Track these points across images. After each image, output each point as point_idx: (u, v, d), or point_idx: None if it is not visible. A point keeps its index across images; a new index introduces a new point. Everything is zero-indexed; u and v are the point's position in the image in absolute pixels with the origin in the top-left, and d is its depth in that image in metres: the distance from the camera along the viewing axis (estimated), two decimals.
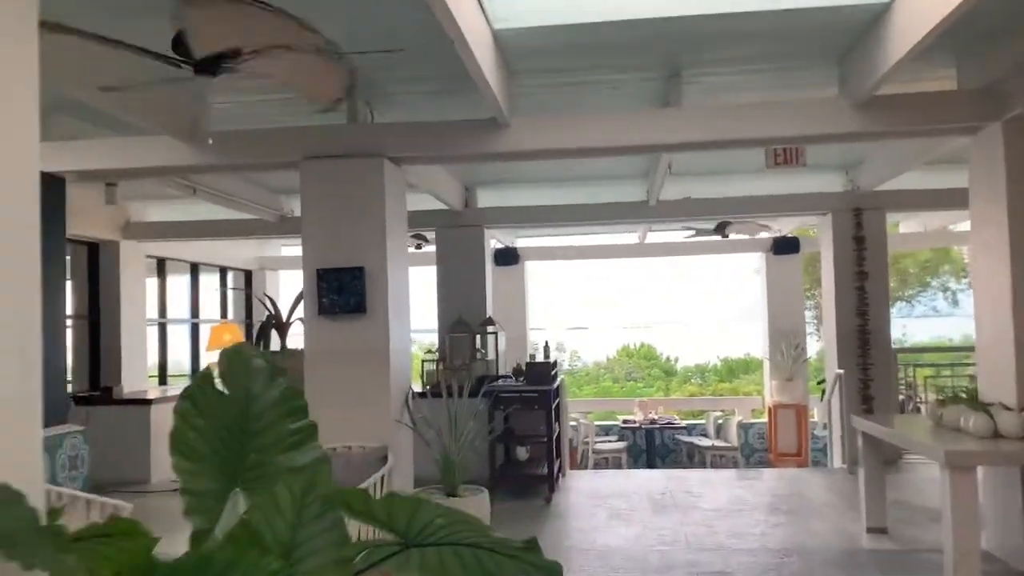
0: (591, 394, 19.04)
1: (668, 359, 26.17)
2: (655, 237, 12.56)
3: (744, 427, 11.80)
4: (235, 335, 8.69)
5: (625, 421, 11.53)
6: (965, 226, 12.56)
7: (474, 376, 8.14)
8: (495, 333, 8.58)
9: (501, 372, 8.43)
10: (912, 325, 21.28)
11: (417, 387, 8.00)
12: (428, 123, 5.50)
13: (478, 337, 8.49)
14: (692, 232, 10.79)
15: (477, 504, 5.05)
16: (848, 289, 8.21)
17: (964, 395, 5.03)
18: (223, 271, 11.76)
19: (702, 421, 12.21)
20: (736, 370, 23.56)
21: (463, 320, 8.51)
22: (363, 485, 4.52)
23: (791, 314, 11.70)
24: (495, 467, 6.83)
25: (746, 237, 11.73)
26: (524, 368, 7.04)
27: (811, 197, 8.60)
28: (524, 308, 12.44)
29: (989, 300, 4.84)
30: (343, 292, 5.11)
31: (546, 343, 7.80)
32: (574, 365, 23.76)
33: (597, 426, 12.21)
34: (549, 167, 8.13)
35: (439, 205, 8.58)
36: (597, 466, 11.22)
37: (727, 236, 10.58)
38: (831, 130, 4.88)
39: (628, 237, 12.85)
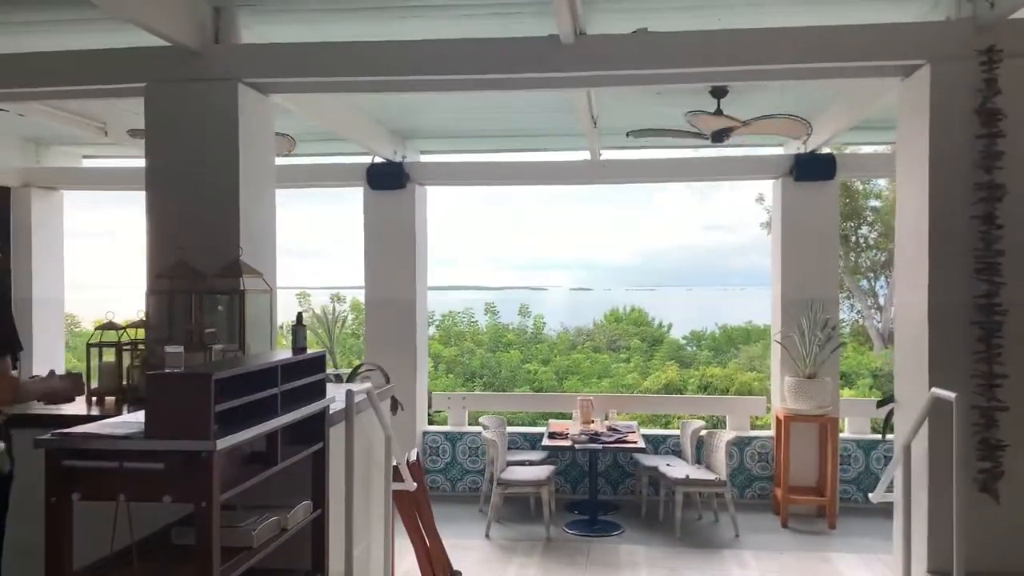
0: (548, 375, 14.72)
1: (660, 325, 22.22)
2: (613, 155, 8.27)
3: (739, 444, 7.63)
4: None
5: (552, 435, 7.28)
6: None
7: None
8: (243, 292, 4.29)
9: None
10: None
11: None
12: None
13: (205, 300, 4.24)
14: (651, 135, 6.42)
15: None
16: (959, 223, 3.92)
17: None
18: None
19: (675, 432, 8.01)
20: (736, 340, 19.49)
21: (188, 264, 4.28)
22: None
23: (819, 275, 7.39)
24: None
25: (757, 152, 7.45)
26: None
27: (890, 33, 4.23)
28: (414, 257, 8.14)
29: None
30: None
31: (299, 315, 3.45)
32: (538, 333, 19.51)
33: (522, 436, 8.06)
34: None
35: (153, 40, 4.29)
36: (508, 507, 7.08)
37: (724, 141, 6.26)
38: None
39: (577, 155, 8.56)
